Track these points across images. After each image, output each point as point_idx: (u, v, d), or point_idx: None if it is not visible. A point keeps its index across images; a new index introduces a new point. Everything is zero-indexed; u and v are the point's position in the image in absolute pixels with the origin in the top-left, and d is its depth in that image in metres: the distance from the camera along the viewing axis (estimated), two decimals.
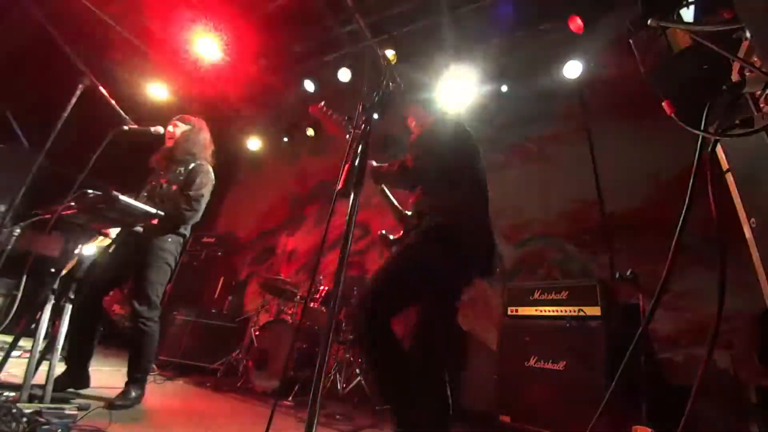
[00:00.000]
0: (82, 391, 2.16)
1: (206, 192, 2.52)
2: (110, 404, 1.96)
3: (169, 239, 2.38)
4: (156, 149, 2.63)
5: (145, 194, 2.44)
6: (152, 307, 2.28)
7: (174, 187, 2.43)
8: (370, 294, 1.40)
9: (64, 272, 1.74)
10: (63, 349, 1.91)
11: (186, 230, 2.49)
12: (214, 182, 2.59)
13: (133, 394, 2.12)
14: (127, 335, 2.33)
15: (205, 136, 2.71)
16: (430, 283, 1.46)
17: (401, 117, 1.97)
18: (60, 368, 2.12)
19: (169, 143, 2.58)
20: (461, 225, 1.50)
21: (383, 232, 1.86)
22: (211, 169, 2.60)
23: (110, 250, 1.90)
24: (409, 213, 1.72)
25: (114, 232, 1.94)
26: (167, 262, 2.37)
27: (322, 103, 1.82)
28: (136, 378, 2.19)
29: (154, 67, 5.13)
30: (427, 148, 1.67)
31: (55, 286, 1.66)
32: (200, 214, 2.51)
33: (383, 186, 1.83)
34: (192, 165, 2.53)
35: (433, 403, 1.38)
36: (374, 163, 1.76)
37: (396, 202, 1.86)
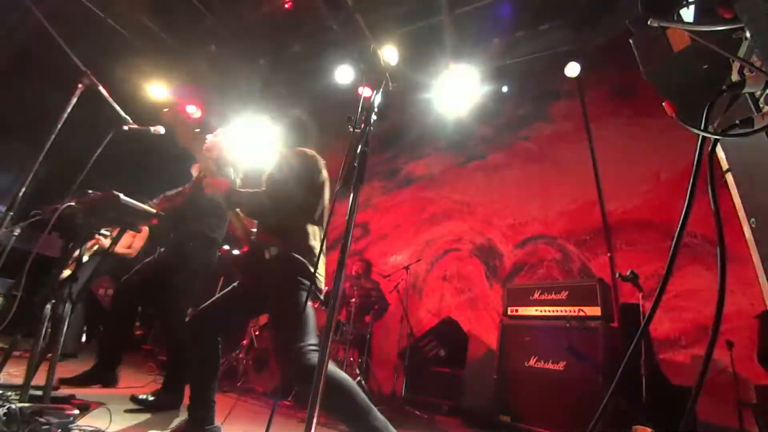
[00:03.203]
0: (82, 391, 2.16)
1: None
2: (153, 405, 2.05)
3: (210, 250, 2.45)
4: (156, 149, 2.62)
5: (190, 205, 2.43)
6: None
7: None
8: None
9: (64, 273, 1.74)
10: (63, 347, 1.91)
11: (219, 236, 2.54)
12: None
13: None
14: (165, 344, 2.38)
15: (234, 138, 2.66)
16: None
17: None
18: (66, 366, 2.15)
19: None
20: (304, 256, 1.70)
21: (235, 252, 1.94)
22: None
23: (152, 257, 1.95)
24: (254, 231, 1.83)
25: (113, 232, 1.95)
26: (205, 272, 2.46)
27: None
28: (176, 387, 2.22)
29: (155, 67, 5.12)
30: (288, 179, 1.73)
31: (55, 286, 1.66)
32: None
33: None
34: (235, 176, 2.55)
35: None
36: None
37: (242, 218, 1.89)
